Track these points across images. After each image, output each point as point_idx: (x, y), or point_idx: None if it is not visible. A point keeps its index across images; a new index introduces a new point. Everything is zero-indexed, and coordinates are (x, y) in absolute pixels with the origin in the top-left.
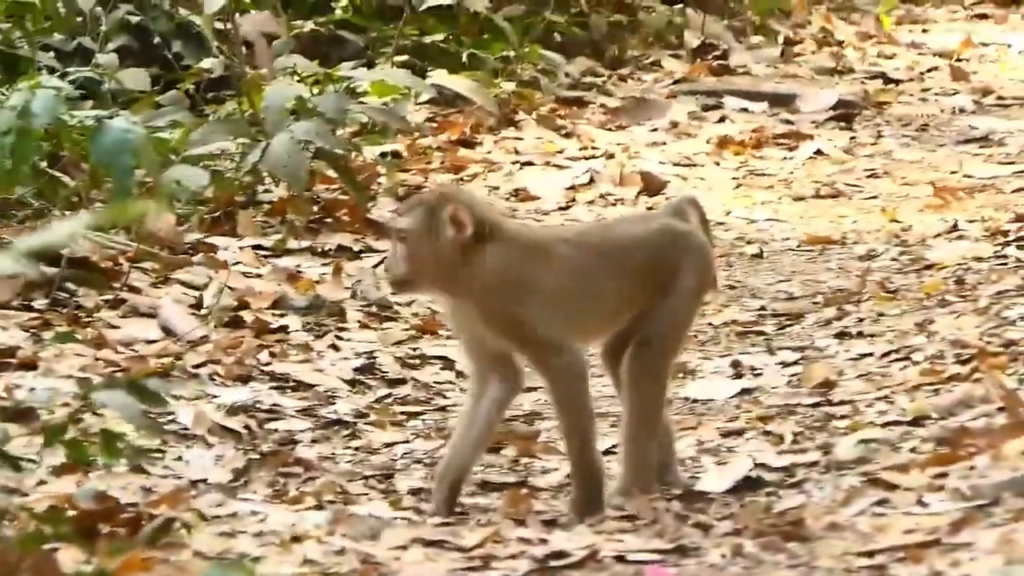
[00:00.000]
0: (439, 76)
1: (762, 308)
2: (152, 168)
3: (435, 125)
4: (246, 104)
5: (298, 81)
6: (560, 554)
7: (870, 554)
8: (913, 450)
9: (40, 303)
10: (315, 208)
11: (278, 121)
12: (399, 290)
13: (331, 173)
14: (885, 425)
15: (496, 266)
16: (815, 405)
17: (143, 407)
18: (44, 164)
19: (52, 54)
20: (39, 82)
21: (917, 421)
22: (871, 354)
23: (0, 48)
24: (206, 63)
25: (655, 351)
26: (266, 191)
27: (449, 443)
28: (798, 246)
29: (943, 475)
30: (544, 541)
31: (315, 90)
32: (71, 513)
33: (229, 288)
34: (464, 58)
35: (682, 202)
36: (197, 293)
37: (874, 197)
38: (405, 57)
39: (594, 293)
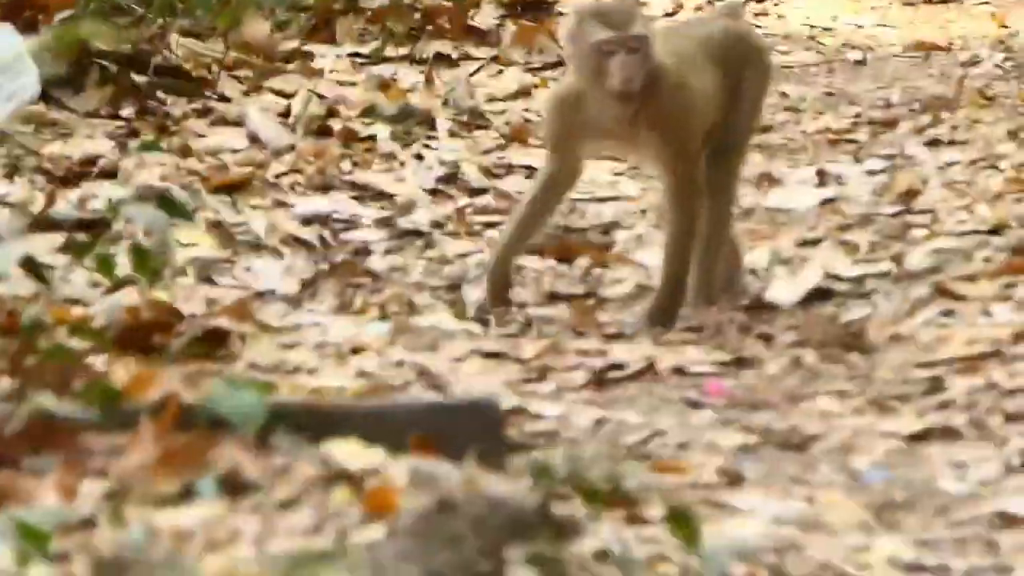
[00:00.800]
0: None
1: (857, 115)
2: None
3: None
4: None
5: None
6: (618, 366)
7: (929, 365)
8: (987, 260)
9: (128, 111)
10: (416, 15)
11: None
12: (630, 103)
13: None
14: (963, 235)
15: (672, 73)
16: (895, 215)
17: (171, 220)
18: None
19: None
20: None
21: (996, 230)
22: (959, 162)
23: None
24: None
25: (730, 159)
26: None
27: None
28: (902, 52)
29: (1012, 285)
30: (603, 353)
31: None
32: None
33: (318, 96)
34: None
35: (732, 5)
36: (287, 102)
37: (986, 2)
38: None
39: (706, 97)
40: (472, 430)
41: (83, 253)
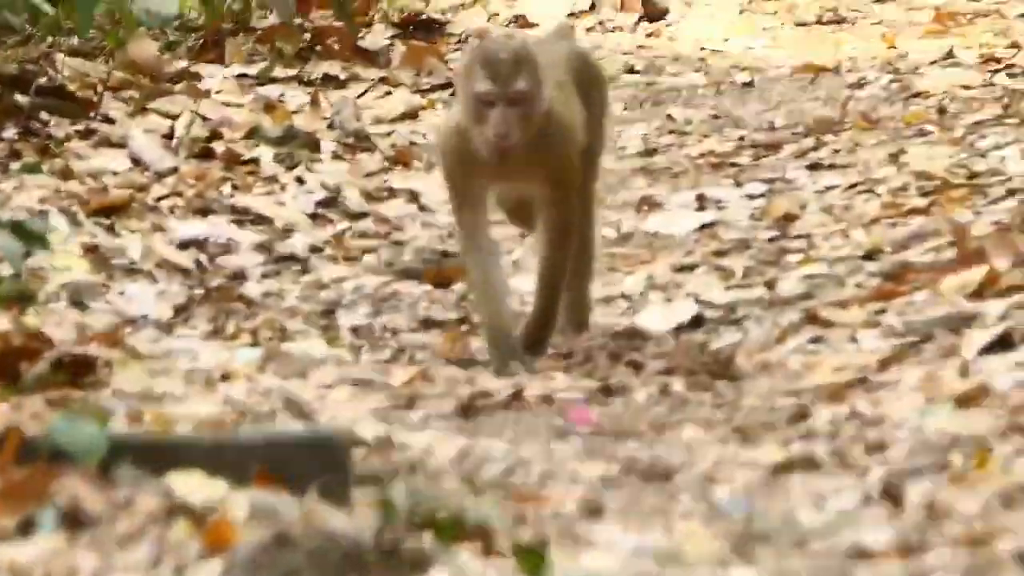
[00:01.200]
0: None
1: (741, 139)
2: None
3: None
4: None
5: None
6: (487, 394)
7: (796, 393)
8: (859, 286)
9: (10, 132)
10: (306, 36)
11: None
12: (504, 157)
13: None
14: (837, 260)
15: (563, 117)
16: (772, 240)
17: (25, 248)
18: None
19: None
20: None
21: (870, 256)
22: (838, 186)
23: None
24: None
25: (588, 185)
26: (260, 18)
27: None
28: (791, 74)
29: (882, 311)
30: (472, 380)
31: None
32: None
33: (202, 118)
34: None
35: (564, 27)
36: (172, 123)
37: (877, 23)
38: None
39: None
40: (316, 463)
41: None
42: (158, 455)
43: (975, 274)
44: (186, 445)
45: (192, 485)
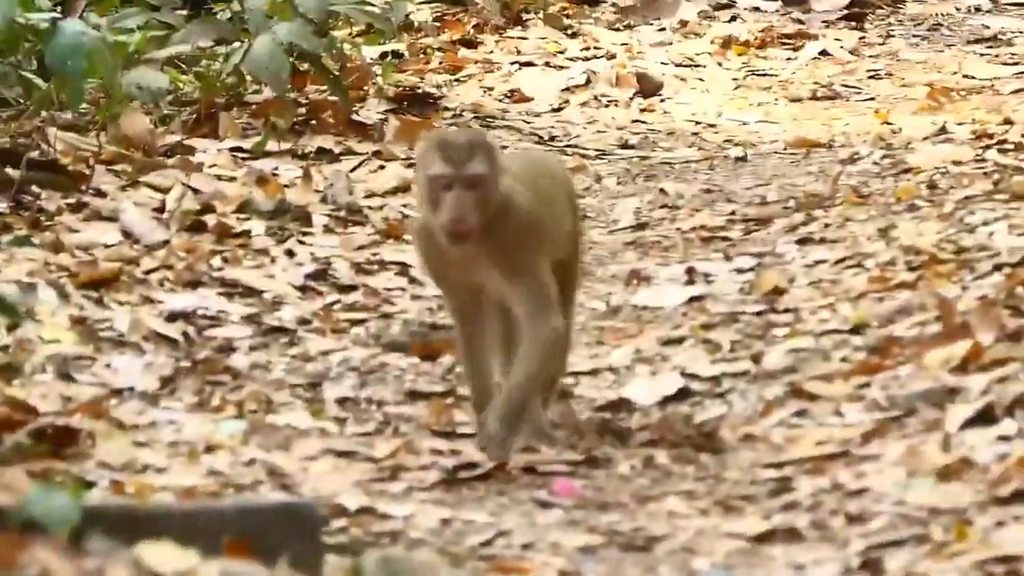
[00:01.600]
0: None
1: (732, 213)
2: (107, 72)
3: (439, 24)
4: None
5: None
6: (470, 465)
7: (778, 466)
8: (844, 359)
9: (1, 205)
10: (300, 109)
11: (260, 22)
12: (462, 242)
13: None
14: (823, 334)
15: (522, 205)
16: (759, 313)
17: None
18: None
19: None
20: None
21: (856, 330)
22: (826, 260)
23: None
24: None
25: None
26: (255, 92)
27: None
28: (784, 149)
29: (866, 385)
30: (456, 452)
31: None
32: None
33: (193, 191)
34: None
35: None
36: (163, 197)
37: (871, 99)
38: None
39: (557, 225)
40: (290, 532)
41: None
42: (131, 524)
43: (959, 348)
44: (159, 514)
45: (163, 555)
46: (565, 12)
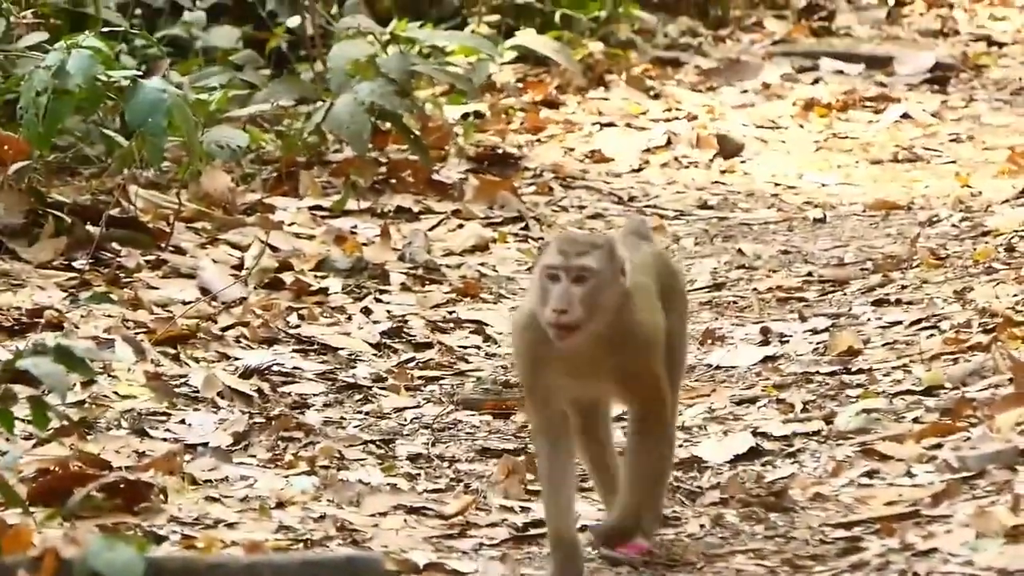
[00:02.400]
0: (524, 36)
1: (809, 274)
2: (187, 129)
3: (522, 85)
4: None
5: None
6: (539, 523)
7: (847, 526)
8: (916, 420)
9: (81, 263)
10: (380, 168)
11: (342, 81)
12: (565, 336)
13: None
14: (897, 395)
15: (644, 313)
16: (832, 374)
17: (69, 374)
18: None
19: (117, 12)
20: (77, 42)
21: (930, 391)
22: (901, 322)
23: (66, 6)
24: (291, 21)
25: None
26: (336, 151)
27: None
28: (863, 211)
29: (938, 446)
30: (526, 510)
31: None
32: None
33: (272, 249)
34: (557, 17)
35: (637, 222)
36: (242, 255)
37: (952, 162)
38: (496, 16)
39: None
40: None
41: None
42: None
43: None
44: (222, 567)
45: None
46: (648, 74)
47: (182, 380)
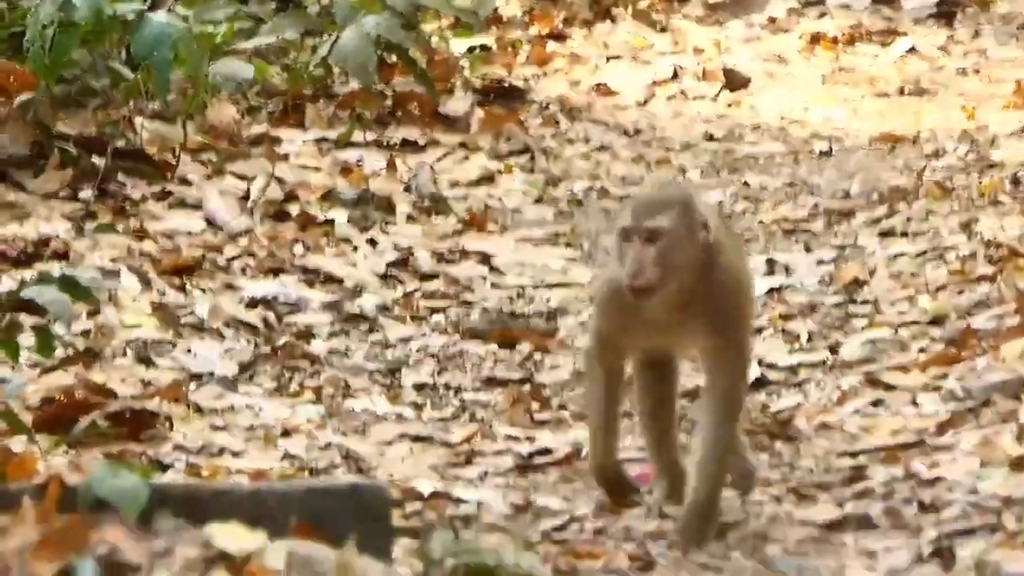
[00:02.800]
0: None
1: (815, 206)
2: (193, 62)
3: (528, 18)
4: None
5: None
6: (545, 451)
7: (853, 455)
8: (922, 350)
9: (87, 194)
10: (386, 101)
11: (348, 14)
12: (640, 298)
13: None
14: (902, 325)
15: (731, 268)
16: (838, 304)
17: (74, 303)
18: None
19: None
20: None
21: (935, 321)
22: (907, 253)
23: None
24: None
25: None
26: (341, 83)
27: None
28: (869, 144)
29: (943, 376)
30: (532, 439)
31: None
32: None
33: (278, 180)
34: None
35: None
36: (248, 186)
37: (959, 95)
38: None
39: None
40: (357, 515)
41: None
42: (199, 504)
43: None
44: (227, 494)
45: (231, 535)
46: (654, 8)
47: (188, 310)
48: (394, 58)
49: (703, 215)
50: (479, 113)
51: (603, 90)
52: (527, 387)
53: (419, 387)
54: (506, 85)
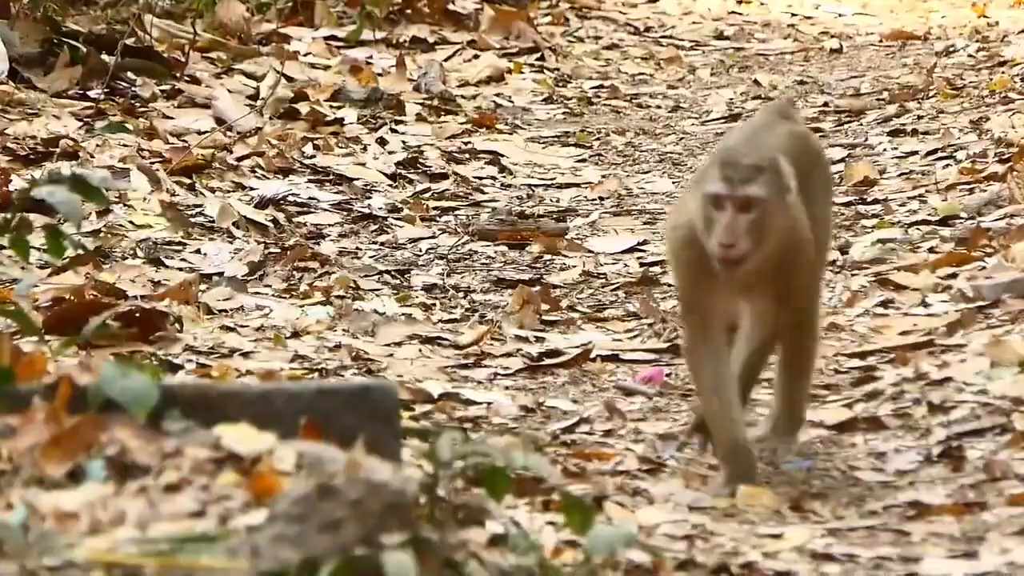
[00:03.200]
0: None
1: (825, 104)
2: None
3: None
4: None
5: None
6: (554, 352)
7: (862, 355)
8: (931, 250)
9: (97, 92)
10: (396, 0)
11: None
12: (734, 268)
13: None
14: (912, 224)
15: (806, 229)
16: (848, 204)
17: (84, 203)
18: None
19: None
20: None
21: (946, 220)
22: (917, 152)
23: None
24: None
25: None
26: None
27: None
28: (879, 41)
29: (953, 276)
30: (541, 339)
31: None
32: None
33: (287, 79)
34: None
35: (784, 105)
36: (258, 85)
37: None
38: None
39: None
40: (366, 415)
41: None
42: (208, 405)
43: None
44: (236, 395)
45: (240, 435)
46: None
47: (197, 210)
48: None
49: (789, 177)
50: (488, 11)
51: None
52: (537, 288)
53: (428, 288)
54: None
